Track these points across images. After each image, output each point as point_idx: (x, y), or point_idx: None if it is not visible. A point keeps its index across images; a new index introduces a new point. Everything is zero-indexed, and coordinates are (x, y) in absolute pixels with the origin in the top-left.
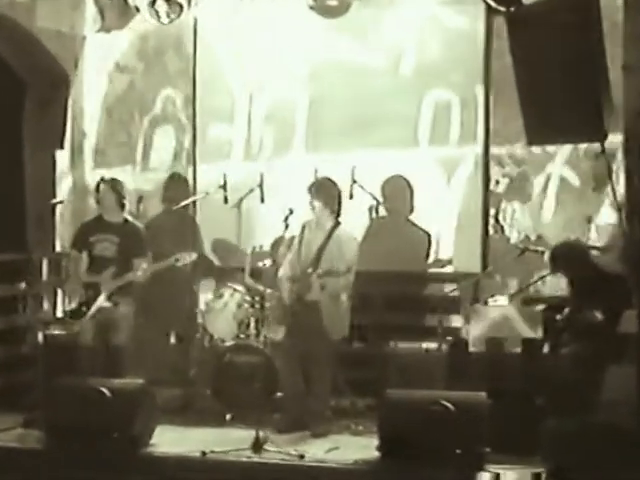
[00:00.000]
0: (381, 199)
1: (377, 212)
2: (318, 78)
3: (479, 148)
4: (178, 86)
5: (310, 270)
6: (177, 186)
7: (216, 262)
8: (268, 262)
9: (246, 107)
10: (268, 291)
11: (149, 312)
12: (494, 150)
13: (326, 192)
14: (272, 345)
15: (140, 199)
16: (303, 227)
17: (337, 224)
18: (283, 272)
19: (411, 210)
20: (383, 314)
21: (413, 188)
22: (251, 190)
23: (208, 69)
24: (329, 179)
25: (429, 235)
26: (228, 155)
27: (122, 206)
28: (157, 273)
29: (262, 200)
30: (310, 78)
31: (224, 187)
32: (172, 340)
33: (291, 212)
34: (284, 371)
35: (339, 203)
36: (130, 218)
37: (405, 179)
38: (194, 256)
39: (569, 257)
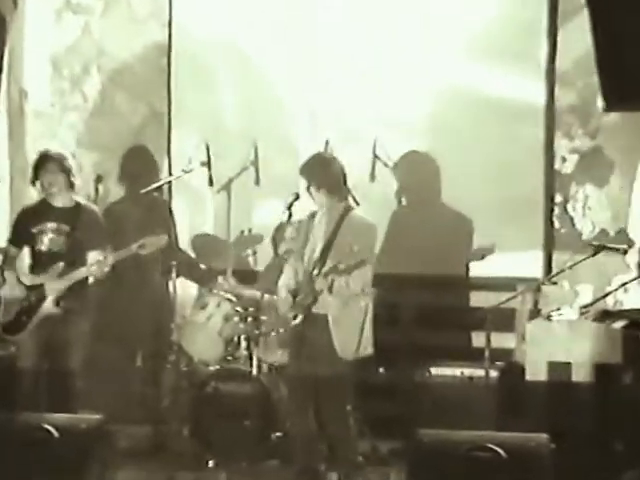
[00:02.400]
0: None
1: (400, 200)
2: None
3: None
4: (147, 32)
5: (315, 272)
6: (139, 162)
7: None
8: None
9: None
10: (265, 297)
11: (109, 324)
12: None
13: (325, 172)
14: (269, 371)
15: (99, 179)
16: (307, 220)
17: (348, 209)
18: (283, 280)
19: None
20: (413, 331)
21: (438, 165)
22: (244, 168)
23: (186, 9)
24: (325, 154)
25: (470, 222)
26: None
27: (71, 186)
28: (119, 272)
29: (257, 182)
30: None
31: (207, 164)
32: (138, 362)
33: (296, 197)
34: (288, 404)
35: (345, 183)
36: (83, 201)
37: (426, 154)
38: (164, 240)
39: None
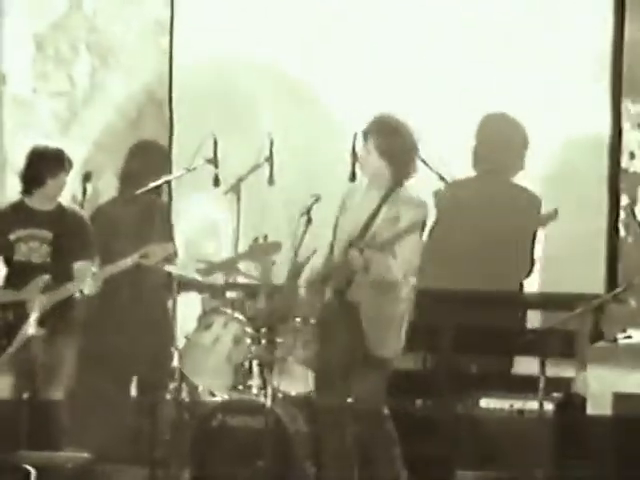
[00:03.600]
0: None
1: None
2: None
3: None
4: (145, 6)
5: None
6: (147, 158)
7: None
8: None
9: None
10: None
11: (99, 347)
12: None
13: (394, 136)
14: (285, 401)
15: (87, 176)
16: (344, 199)
17: (399, 183)
18: (311, 270)
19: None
20: (454, 355)
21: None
22: (255, 166)
23: None
24: (396, 118)
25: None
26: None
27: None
28: (112, 283)
29: (271, 181)
30: None
31: (214, 160)
32: (133, 392)
33: (317, 200)
34: (326, 437)
35: (412, 159)
36: (67, 204)
37: (512, 119)
38: (170, 249)
39: None
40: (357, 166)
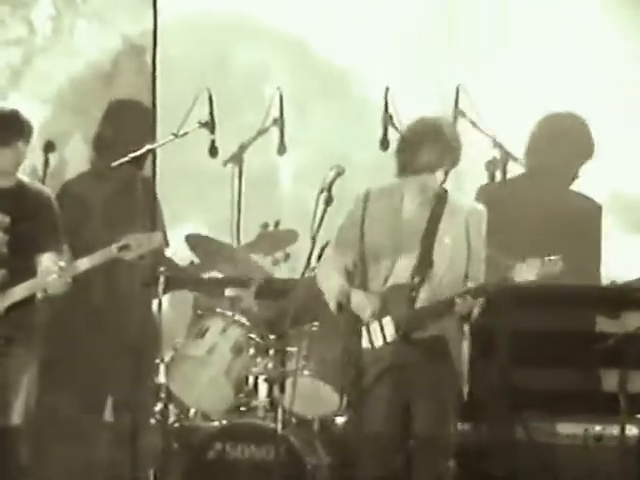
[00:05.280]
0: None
1: (504, 171)
2: None
3: None
4: None
5: (415, 279)
6: (125, 121)
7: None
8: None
9: None
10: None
11: (66, 361)
12: None
13: (449, 140)
14: (300, 427)
15: (50, 145)
16: (365, 202)
17: (444, 193)
18: (357, 299)
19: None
20: (513, 367)
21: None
22: (262, 131)
23: None
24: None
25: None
26: None
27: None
28: (82, 282)
29: (282, 150)
30: None
31: (210, 124)
32: (108, 416)
33: (339, 173)
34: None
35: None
36: (27, 180)
37: (578, 117)
38: (157, 239)
39: None
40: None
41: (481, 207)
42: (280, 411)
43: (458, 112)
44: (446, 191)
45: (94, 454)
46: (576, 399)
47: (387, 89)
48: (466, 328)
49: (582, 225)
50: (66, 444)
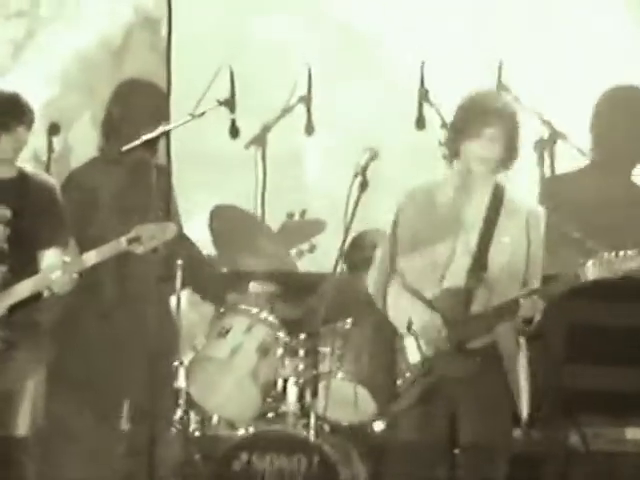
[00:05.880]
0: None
1: (552, 152)
2: None
3: None
4: None
5: (470, 282)
6: (137, 101)
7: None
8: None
9: None
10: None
11: (75, 366)
12: None
13: (511, 120)
14: (335, 435)
15: (54, 128)
16: (359, 189)
17: (501, 190)
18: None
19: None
20: (566, 366)
21: None
22: (287, 109)
23: None
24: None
25: None
26: None
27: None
28: (91, 278)
29: (310, 129)
30: None
31: (230, 102)
32: (124, 424)
33: (374, 156)
34: None
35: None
36: (30, 170)
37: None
38: (171, 231)
39: None
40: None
41: (540, 208)
42: (312, 417)
43: (501, 87)
44: (503, 187)
45: (108, 467)
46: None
47: (423, 63)
48: (522, 340)
49: None
50: (77, 457)
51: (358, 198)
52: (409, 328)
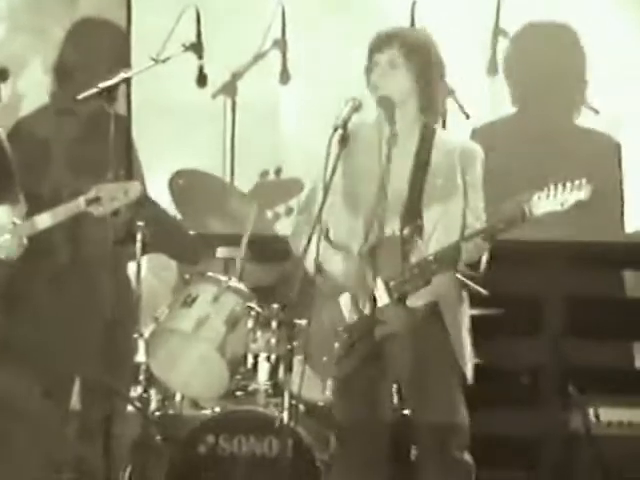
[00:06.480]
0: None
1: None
2: None
3: None
4: None
5: (406, 231)
6: (93, 43)
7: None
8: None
9: None
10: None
11: (23, 337)
12: None
13: (426, 56)
14: (311, 416)
15: (1, 74)
16: (340, 143)
17: (431, 131)
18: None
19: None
20: (566, 342)
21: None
22: (259, 55)
23: None
24: (424, 30)
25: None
26: None
27: None
28: (41, 242)
29: (285, 78)
30: None
31: (197, 46)
32: (75, 403)
33: (357, 107)
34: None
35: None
36: None
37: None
38: (136, 190)
39: None
40: (371, 88)
41: (476, 146)
42: (286, 397)
43: (499, 31)
44: (433, 127)
45: (58, 450)
46: None
47: (414, 3)
48: (464, 293)
49: (597, 168)
50: (24, 437)
51: (339, 154)
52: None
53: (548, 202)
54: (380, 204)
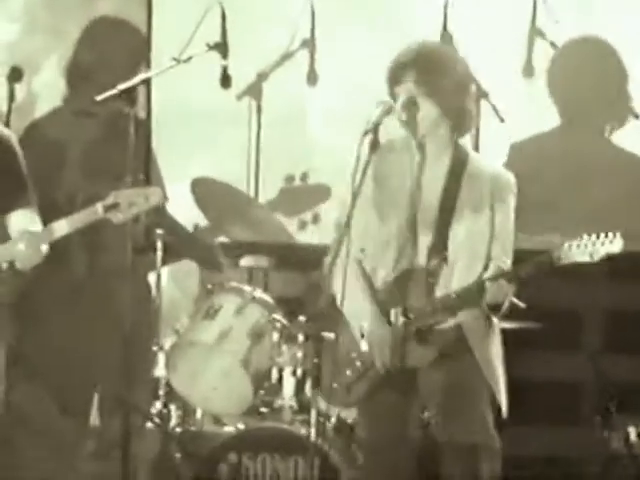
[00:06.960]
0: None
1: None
2: None
3: None
4: None
5: (433, 262)
6: (112, 43)
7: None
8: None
9: None
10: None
11: (39, 351)
12: None
13: (447, 74)
14: (339, 434)
15: (16, 73)
16: (363, 168)
17: (463, 154)
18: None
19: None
20: (604, 357)
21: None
22: (286, 55)
23: None
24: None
25: None
26: None
27: None
28: (58, 251)
29: (311, 79)
30: None
31: (222, 45)
32: (94, 419)
33: (388, 110)
34: None
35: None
36: None
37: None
38: (157, 196)
39: None
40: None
41: (509, 174)
42: (313, 413)
43: (536, 32)
44: (466, 149)
45: (76, 466)
46: None
47: (447, 2)
48: (495, 320)
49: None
50: (41, 454)
51: (368, 160)
52: (362, 335)
53: (578, 252)
54: (409, 230)
